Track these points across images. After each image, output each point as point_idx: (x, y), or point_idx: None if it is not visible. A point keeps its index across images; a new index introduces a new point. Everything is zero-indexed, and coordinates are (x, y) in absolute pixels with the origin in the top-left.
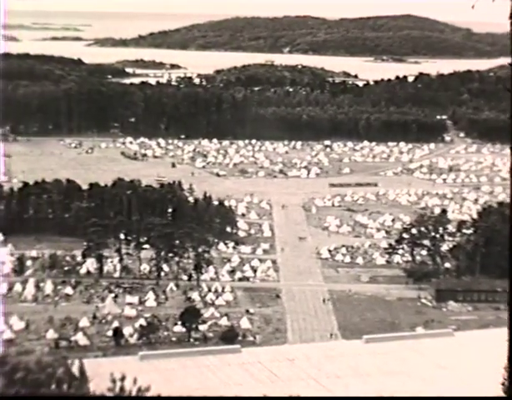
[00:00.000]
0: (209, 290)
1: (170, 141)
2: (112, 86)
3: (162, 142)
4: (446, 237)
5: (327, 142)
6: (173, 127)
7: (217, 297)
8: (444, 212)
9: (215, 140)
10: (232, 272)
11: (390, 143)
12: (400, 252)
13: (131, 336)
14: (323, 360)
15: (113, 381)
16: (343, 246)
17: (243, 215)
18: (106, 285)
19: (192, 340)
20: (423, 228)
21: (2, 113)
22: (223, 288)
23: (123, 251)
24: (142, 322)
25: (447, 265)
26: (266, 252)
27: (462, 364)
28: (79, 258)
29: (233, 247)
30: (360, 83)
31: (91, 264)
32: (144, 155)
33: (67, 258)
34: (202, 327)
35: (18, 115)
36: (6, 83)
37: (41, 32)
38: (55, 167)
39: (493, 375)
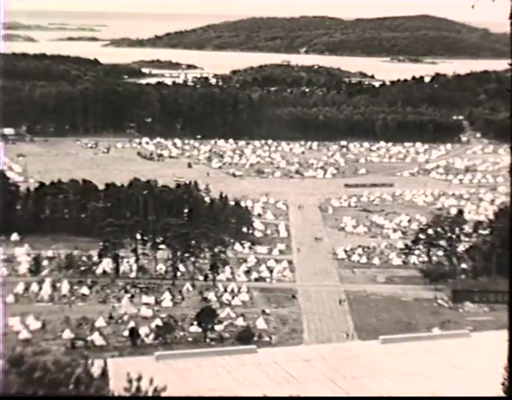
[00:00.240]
0: (225, 290)
1: (186, 141)
2: (129, 86)
3: (178, 142)
4: (463, 238)
5: (343, 143)
6: (189, 127)
7: (233, 298)
8: (460, 212)
9: (231, 140)
10: (248, 272)
11: (407, 144)
12: (417, 252)
13: (147, 336)
14: (340, 361)
15: (130, 381)
16: (360, 246)
17: (260, 215)
18: (122, 285)
19: (208, 340)
20: (439, 229)
21: (20, 114)
22: (239, 289)
23: (140, 251)
24: (158, 322)
25: (463, 266)
26: (282, 252)
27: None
28: (95, 258)
29: (250, 248)
30: (377, 84)
31: (107, 264)
32: (160, 155)
33: (84, 258)
34: (218, 328)
35: (35, 115)
36: (22, 84)
37: (57, 33)
38: (71, 168)
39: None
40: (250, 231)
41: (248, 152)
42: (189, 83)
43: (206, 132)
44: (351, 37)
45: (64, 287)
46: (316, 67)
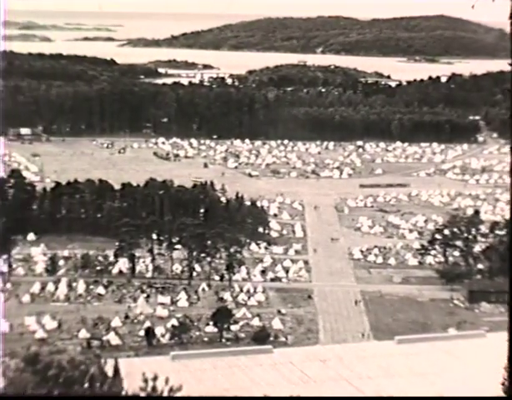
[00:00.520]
0: (241, 290)
1: (202, 141)
2: (145, 86)
3: (194, 142)
4: (479, 238)
5: (359, 143)
6: (205, 127)
7: (249, 298)
8: (476, 212)
9: (247, 140)
10: (264, 272)
11: (423, 144)
12: (433, 252)
13: (163, 336)
14: (355, 361)
15: (145, 380)
16: (376, 247)
17: (276, 215)
18: (138, 285)
19: (223, 340)
20: (455, 229)
21: (37, 114)
22: (255, 289)
23: (155, 251)
24: (174, 322)
25: (480, 266)
26: (298, 252)
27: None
28: (111, 258)
29: (265, 248)
30: (393, 84)
31: (123, 264)
32: (176, 155)
33: (100, 258)
34: (233, 328)
35: (51, 115)
36: (39, 84)
37: (73, 33)
38: (87, 167)
39: None
40: (266, 231)
41: (264, 152)
42: (205, 83)
43: (222, 132)
44: (367, 37)
45: (80, 286)
46: (332, 67)
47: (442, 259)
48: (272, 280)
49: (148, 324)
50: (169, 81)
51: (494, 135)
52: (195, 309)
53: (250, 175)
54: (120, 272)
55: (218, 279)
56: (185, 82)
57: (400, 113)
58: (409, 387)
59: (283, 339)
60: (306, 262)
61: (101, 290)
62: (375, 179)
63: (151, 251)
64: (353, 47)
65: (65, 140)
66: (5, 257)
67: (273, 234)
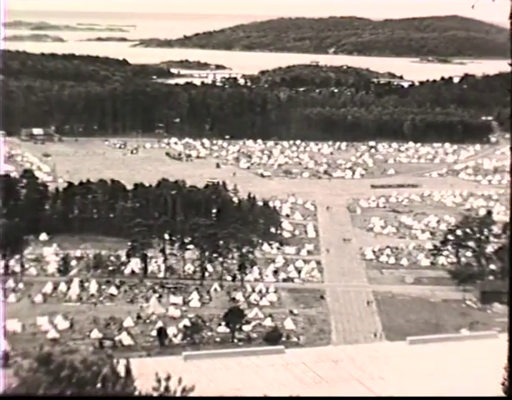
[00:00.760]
0: (253, 291)
1: (215, 141)
2: (157, 86)
3: (206, 142)
4: (491, 239)
5: (372, 143)
6: (217, 127)
7: (261, 298)
8: (489, 213)
9: (260, 141)
10: (276, 272)
11: (435, 144)
12: (445, 253)
13: (175, 336)
14: (368, 361)
15: (158, 380)
16: (388, 247)
17: (288, 216)
18: (150, 285)
19: (236, 340)
20: (468, 230)
21: (49, 114)
22: (267, 289)
23: (168, 251)
24: (186, 322)
25: (492, 267)
26: (310, 253)
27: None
28: (124, 258)
29: (278, 248)
30: (405, 84)
31: (135, 264)
32: (189, 155)
33: (112, 258)
34: (246, 328)
35: (63, 115)
36: (51, 84)
37: (86, 33)
38: (100, 168)
39: None
40: (278, 231)
41: (277, 152)
42: (218, 84)
43: (234, 132)
44: (380, 38)
45: (92, 286)
46: (345, 67)
47: (454, 260)
48: (284, 280)
49: (160, 324)
50: (182, 81)
51: (507, 135)
52: (207, 309)
53: (262, 175)
54: (132, 272)
55: (231, 279)
56: (197, 82)
57: (413, 114)
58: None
59: (295, 339)
60: (318, 263)
61: (113, 290)
62: (388, 180)
63: (163, 251)
64: (366, 48)
65: (77, 140)
66: (17, 257)
67: (286, 234)
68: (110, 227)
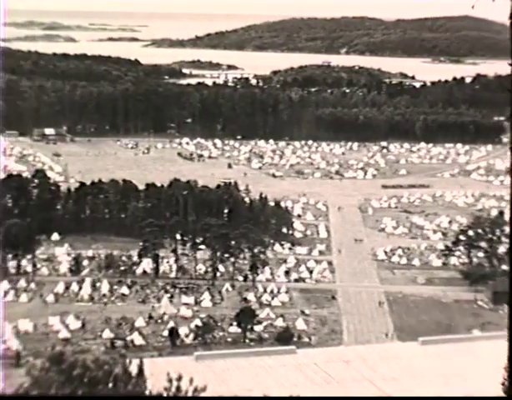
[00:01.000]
0: (265, 291)
1: (226, 141)
2: (169, 86)
3: (218, 142)
4: (503, 239)
5: (383, 144)
6: (229, 127)
7: (272, 298)
8: (501, 213)
9: (271, 141)
10: (287, 272)
11: (447, 145)
12: (457, 253)
13: (186, 336)
14: (379, 362)
15: (170, 380)
16: (400, 247)
17: (300, 216)
18: (162, 285)
19: (247, 341)
20: (480, 230)
21: (61, 114)
22: (279, 289)
23: (179, 251)
24: (197, 322)
25: (504, 267)
26: (322, 253)
27: None
28: (135, 258)
29: (289, 248)
30: (417, 84)
31: (147, 264)
32: (200, 156)
33: (124, 258)
34: (257, 328)
35: (75, 115)
36: (63, 84)
37: (98, 33)
38: (111, 168)
39: None
40: (290, 231)
41: (289, 152)
42: (230, 84)
43: (246, 132)
44: (392, 38)
45: (104, 286)
46: (357, 67)
47: (466, 260)
48: (296, 281)
49: (171, 324)
50: (193, 81)
51: None
52: (219, 309)
53: (274, 175)
54: (144, 272)
55: (242, 279)
56: (209, 82)
57: (425, 114)
58: (433, 387)
59: (306, 340)
60: (330, 263)
61: (125, 290)
62: (399, 180)
63: (175, 251)
64: (378, 48)
65: (90, 140)
66: (29, 256)
67: (297, 235)
68: (122, 228)
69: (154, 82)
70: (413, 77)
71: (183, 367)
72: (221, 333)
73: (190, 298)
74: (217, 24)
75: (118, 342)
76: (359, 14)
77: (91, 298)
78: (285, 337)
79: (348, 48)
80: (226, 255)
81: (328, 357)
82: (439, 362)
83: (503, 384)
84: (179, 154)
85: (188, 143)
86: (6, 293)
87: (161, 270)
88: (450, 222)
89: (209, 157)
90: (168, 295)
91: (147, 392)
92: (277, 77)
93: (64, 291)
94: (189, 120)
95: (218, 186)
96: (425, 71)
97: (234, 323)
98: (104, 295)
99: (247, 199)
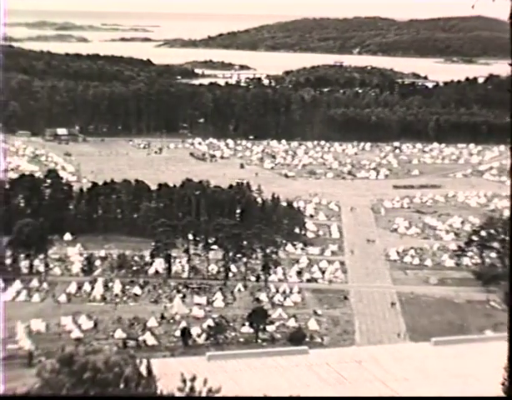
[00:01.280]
0: (277, 291)
1: (239, 142)
2: (182, 86)
3: (230, 142)
4: None
5: (396, 144)
6: (241, 127)
7: (285, 298)
8: None
9: (284, 141)
10: (300, 273)
11: (460, 145)
12: (469, 254)
13: (199, 336)
14: (391, 362)
15: (184, 381)
16: (412, 248)
17: (312, 216)
18: (174, 285)
19: (259, 341)
20: (492, 231)
21: (73, 114)
22: (291, 289)
23: (192, 251)
24: (209, 322)
25: None
26: (334, 253)
27: None
28: (148, 258)
29: (302, 249)
30: (430, 85)
31: (159, 264)
32: (213, 156)
33: (136, 258)
34: (269, 328)
35: (88, 115)
36: (76, 84)
37: (110, 33)
38: (124, 168)
39: None
40: (302, 232)
41: (301, 152)
42: (242, 84)
43: (258, 132)
44: (404, 38)
45: (116, 286)
46: (369, 67)
47: (479, 260)
48: (308, 281)
49: (183, 324)
50: (206, 81)
51: None
52: (231, 310)
53: (286, 176)
54: (156, 272)
55: (254, 280)
56: (222, 82)
57: (437, 114)
58: (446, 388)
59: (318, 340)
60: (342, 263)
61: (137, 290)
62: (412, 180)
63: (187, 251)
64: (390, 48)
65: (103, 140)
66: (42, 256)
67: (310, 235)
68: (134, 228)
69: (167, 83)
70: (425, 78)
71: (196, 368)
72: (233, 333)
73: (202, 298)
74: (229, 24)
75: (131, 343)
76: (372, 14)
77: (103, 298)
78: (297, 338)
79: (361, 48)
80: (238, 255)
81: (341, 357)
82: (451, 363)
83: (503, 384)
84: (192, 154)
85: (200, 143)
86: (18, 293)
87: (173, 270)
88: (463, 222)
89: (222, 158)
90: (181, 295)
91: (157, 392)
92: (289, 77)
93: (76, 291)
94: (202, 120)
95: (231, 186)
96: (438, 71)
97: (246, 323)
98: (116, 295)
99: (259, 199)
